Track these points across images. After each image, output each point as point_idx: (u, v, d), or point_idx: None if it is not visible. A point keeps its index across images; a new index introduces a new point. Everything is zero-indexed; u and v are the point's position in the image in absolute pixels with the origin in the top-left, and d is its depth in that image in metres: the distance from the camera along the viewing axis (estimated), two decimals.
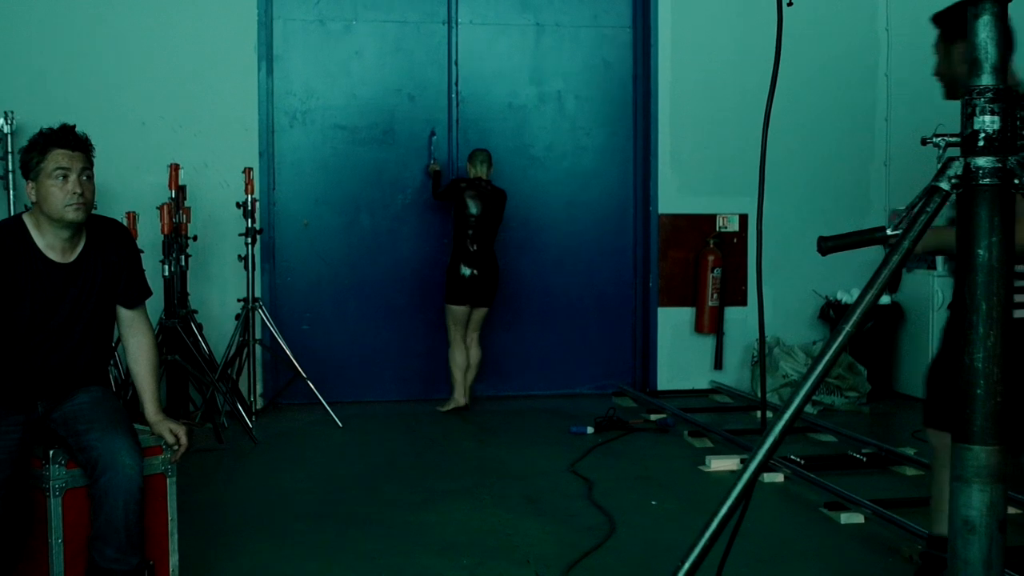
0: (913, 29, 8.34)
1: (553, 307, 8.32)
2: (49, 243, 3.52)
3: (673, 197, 8.21)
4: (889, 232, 2.26)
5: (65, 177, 3.45)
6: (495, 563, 4.28)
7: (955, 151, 2.26)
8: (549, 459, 6.07)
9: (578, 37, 8.37)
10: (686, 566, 2.25)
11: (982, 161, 2.18)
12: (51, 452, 3.43)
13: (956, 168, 2.21)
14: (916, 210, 2.23)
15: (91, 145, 3.57)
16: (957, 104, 2.31)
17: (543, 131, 8.30)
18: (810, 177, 8.28)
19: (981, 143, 2.18)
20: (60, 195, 3.45)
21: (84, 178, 3.50)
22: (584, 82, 8.39)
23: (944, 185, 2.21)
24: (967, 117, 2.21)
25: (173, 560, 3.72)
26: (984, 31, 2.18)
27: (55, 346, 3.54)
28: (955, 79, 3.78)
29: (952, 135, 2.26)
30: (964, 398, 2.23)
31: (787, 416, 2.24)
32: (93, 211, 3.60)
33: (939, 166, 2.24)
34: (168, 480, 3.70)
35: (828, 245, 2.36)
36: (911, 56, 8.35)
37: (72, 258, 3.56)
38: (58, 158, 3.46)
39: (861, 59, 8.46)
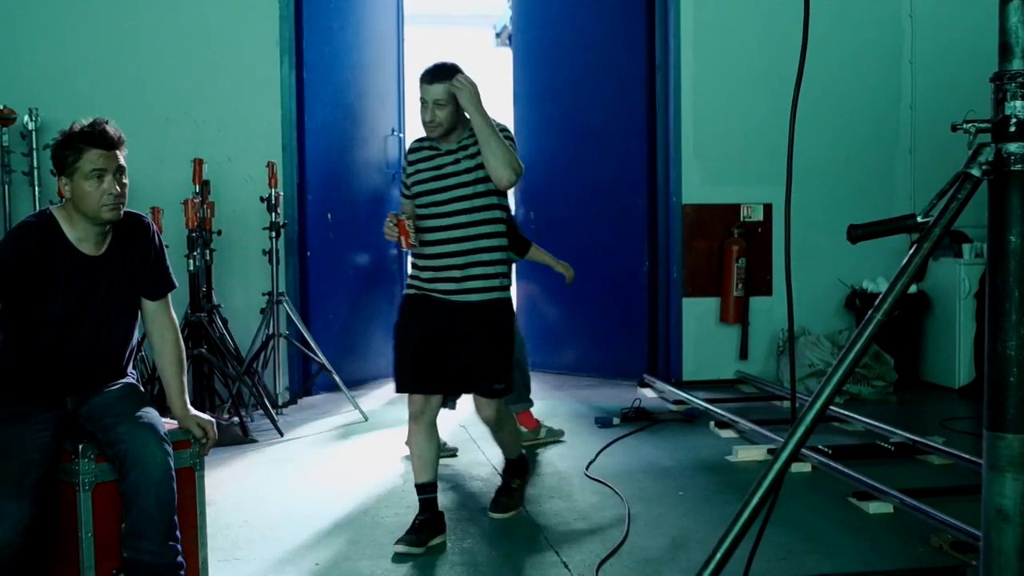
0: (937, 16, 8.32)
1: (575, 299, 8.32)
2: (81, 236, 3.53)
3: (697, 187, 8.17)
4: (919, 219, 2.24)
5: (100, 178, 3.45)
6: (522, 554, 4.28)
7: (986, 137, 2.24)
8: (574, 449, 6.07)
9: (592, 30, 8.36)
10: (717, 556, 2.25)
11: (1014, 147, 2.16)
12: (80, 447, 3.45)
13: (987, 154, 2.19)
14: (947, 197, 2.22)
15: (124, 140, 3.55)
16: (984, 90, 2.29)
17: (554, 125, 8.30)
18: (834, 165, 8.22)
19: (1012, 128, 2.16)
20: (96, 195, 3.45)
21: (119, 176, 3.51)
22: (598, 73, 8.38)
23: (975, 171, 2.19)
24: (998, 102, 2.19)
25: (203, 553, 3.73)
26: (1015, 15, 2.16)
27: (87, 340, 3.56)
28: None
29: (982, 121, 2.24)
30: (996, 387, 2.21)
31: (818, 406, 2.23)
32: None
33: (970, 152, 2.22)
34: (196, 474, 3.71)
35: (858, 233, 2.35)
36: (936, 43, 8.31)
37: (103, 250, 3.58)
38: (94, 159, 3.45)
39: (885, 46, 8.40)
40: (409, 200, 4.53)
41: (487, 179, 4.36)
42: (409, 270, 4.66)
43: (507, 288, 4.53)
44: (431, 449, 4.47)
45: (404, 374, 4.46)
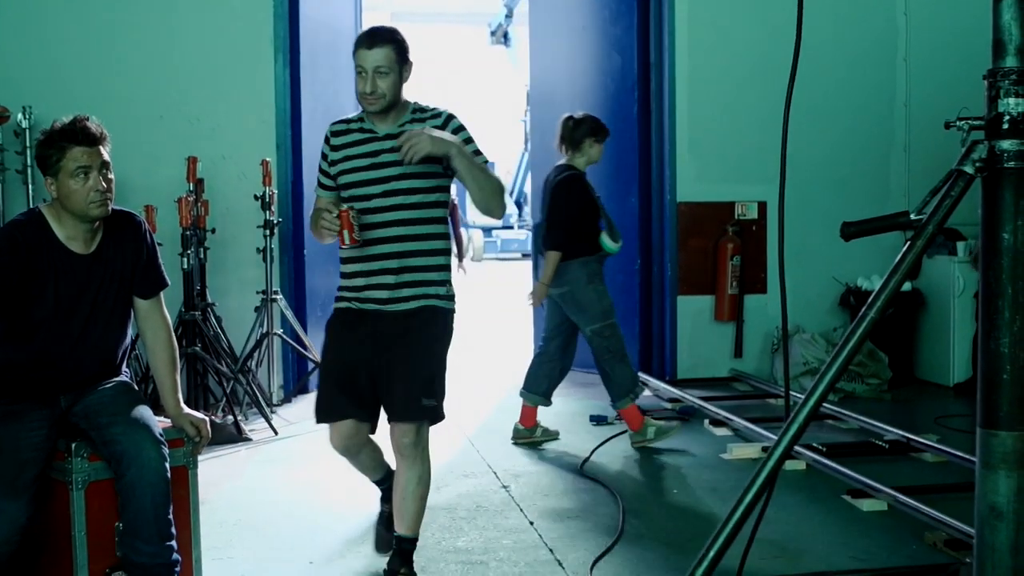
0: (932, 14, 8.32)
1: None
2: (70, 235, 3.51)
3: (691, 185, 8.17)
4: (913, 217, 2.24)
5: (86, 175, 3.42)
6: (518, 556, 4.28)
7: (979, 134, 2.24)
8: (569, 447, 6.06)
9: (586, 26, 8.35)
10: (711, 553, 2.25)
11: (1007, 144, 2.16)
12: (73, 445, 3.45)
13: (981, 151, 2.19)
14: (941, 194, 2.22)
15: (106, 135, 3.52)
16: (978, 88, 2.29)
17: (550, 122, 8.30)
18: (829, 163, 8.23)
19: (1006, 126, 2.16)
20: (82, 193, 3.43)
21: (104, 172, 3.49)
22: (591, 71, 8.37)
23: (968, 169, 2.19)
24: (991, 100, 2.20)
25: (196, 552, 3.72)
26: (1008, 13, 2.16)
27: (79, 338, 3.55)
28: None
29: (976, 118, 2.24)
30: (990, 384, 2.21)
31: (812, 403, 2.23)
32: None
33: (963, 150, 2.22)
34: (190, 472, 3.71)
35: (851, 230, 2.35)
36: (930, 41, 8.31)
37: (92, 248, 3.56)
38: (77, 156, 3.42)
39: (880, 44, 8.40)
40: (330, 194, 3.93)
41: (435, 175, 3.78)
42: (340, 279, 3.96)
43: (449, 298, 3.85)
44: (372, 457, 4.11)
45: (324, 402, 3.91)
